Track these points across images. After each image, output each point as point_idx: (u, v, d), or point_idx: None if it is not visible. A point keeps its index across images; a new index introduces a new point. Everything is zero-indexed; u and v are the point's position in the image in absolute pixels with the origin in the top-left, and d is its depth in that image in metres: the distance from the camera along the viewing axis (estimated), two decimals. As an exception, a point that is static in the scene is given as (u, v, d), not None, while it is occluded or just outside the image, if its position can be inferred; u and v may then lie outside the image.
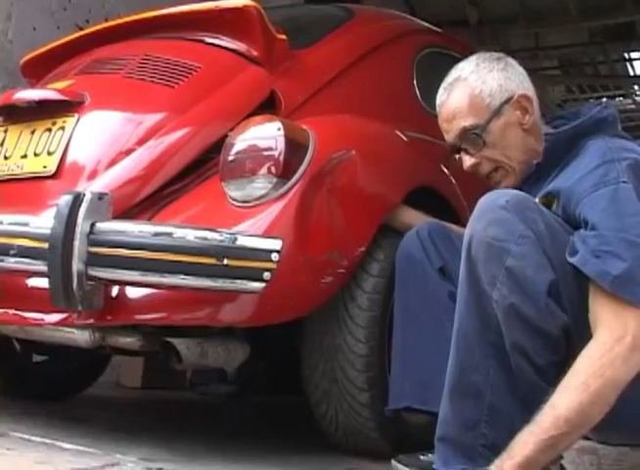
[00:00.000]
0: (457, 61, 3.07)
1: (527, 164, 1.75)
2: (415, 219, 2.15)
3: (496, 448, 1.45)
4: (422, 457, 1.80)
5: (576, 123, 1.73)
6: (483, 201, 1.53)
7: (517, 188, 1.73)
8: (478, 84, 1.78)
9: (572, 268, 1.49)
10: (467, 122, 1.77)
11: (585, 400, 1.37)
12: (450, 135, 1.82)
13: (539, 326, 1.45)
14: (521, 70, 1.83)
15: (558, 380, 1.42)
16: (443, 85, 1.84)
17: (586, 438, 1.70)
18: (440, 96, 1.84)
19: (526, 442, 1.37)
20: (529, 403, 1.46)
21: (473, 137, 1.77)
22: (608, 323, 1.42)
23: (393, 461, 1.92)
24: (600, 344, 1.41)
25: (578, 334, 1.46)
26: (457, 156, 1.84)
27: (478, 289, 1.50)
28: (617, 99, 10.44)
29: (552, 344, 1.47)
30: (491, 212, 1.50)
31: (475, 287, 1.51)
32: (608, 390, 1.38)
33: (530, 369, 1.47)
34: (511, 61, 1.84)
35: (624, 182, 1.52)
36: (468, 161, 1.80)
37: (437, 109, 1.86)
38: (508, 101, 1.76)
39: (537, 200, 1.65)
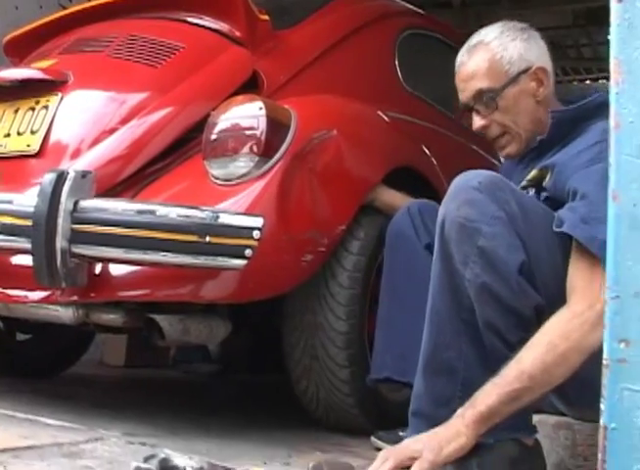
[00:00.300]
0: (439, 43, 3.14)
1: (534, 135, 1.79)
2: (396, 199, 2.18)
3: None
4: (401, 434, 1.83)
5: (581, 104, 1.78)
6: (457, 181, 1.56)
7: (517, 161, 1.81)
8: (499, 50, 1.82)
9: (546, 248, 1.52)
10: (483, 85, 1.81)
11: (549, 360, 1.40)
12: (465, 94, 1.86)
13: (511, 305, 1.48)
14: (542, 43, 1.86)
15: None
16: (465, 47, 1.88)
17: (562, 414, 1.75)
18: (461, 57, 1.88)
19: (490, 393, 1.40)
20: None
21: (486, 100, 1.81)
22: (582, 290, 1.45)
23: (373, 438, 1.96)
24: (572, 308, 1.44)
25: (551, 314, 1.49)
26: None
27: (450, 268, 1.53)
28: (601, 81, 10.47)
29: (524, 322, 1.50)
30: (464, 193, 1.52)
31: (447, 266, 1.54)
32: (573, 353, 1.40)
33: (503, 346, 1.50)
34: (534, 33, 1.87)
35: None
36: (478, 121, 1.84)
37: (456, 68, 1.89)
38: (526, 71, 1.80)
39: (533, 173, 1.70)
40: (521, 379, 1.39)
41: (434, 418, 1.54)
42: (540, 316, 1.50)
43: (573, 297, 1.47)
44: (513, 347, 1.49)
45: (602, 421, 0.87)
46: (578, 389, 1.49)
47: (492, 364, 1.51)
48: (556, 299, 1.49)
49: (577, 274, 1.49)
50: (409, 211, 2.05)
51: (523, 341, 1.50)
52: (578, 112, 1.77)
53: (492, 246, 1.48)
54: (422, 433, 1.52)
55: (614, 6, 0.84)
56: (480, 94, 1.82)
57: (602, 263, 1.42)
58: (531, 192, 1.73)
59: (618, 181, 0.84)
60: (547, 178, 1.67)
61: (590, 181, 1.53)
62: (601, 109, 1.74)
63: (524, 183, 1.74)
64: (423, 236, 2.01)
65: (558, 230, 1.51)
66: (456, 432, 1.41)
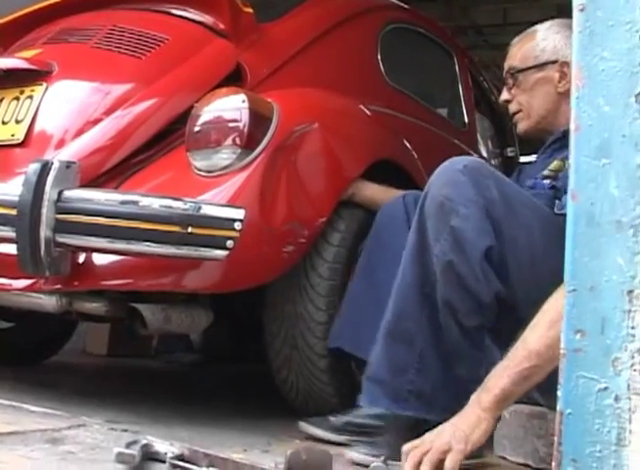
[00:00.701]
0: (422, 37, 3.17)
1: (546, 121, 1.97)
2: (377, 193, 2.21)
3: (422, 397, 1.53)
4: (332, 419, 1.86)
5: None
6: (446, 163, 1.64)
7: (540, 153, 1.98)
8: (539, 39, 2.01)
9: (526, 237, 1.57)
10: (514, 63, 2.03)
11: (553, 335, 1.42)
12: (504, 69, 2.06)
13: (472, 288, 1.53)
14: None
15: (484, 346, 1.50)
16: (525, 32, 2.08)
17: (537, 404, 1.79)
18: (515, 39, 2.09)
19: (501, 375, 1.43)
20: (452, 363, 1.53)
21: (511, 76, 2.01)
22: None
23: (301, 423, 1.93)
24: None
25: (511, 305, 1.53)
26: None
27: (423, 242, 1.59)
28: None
29: (482, 308, 1.54)
30: (449, 173, 1.60)
31: (421, 239, 1.60)
32: None
33: (457, 329, 1.54)
34: None
35: None
36: (504, 94, 2.06)
37: (510, 45, 2.11)
38: (554, 62, 1.97)
39: (555, 163, 1.83)
40: (529, 358, 1.42)
41: (389, 385, 1.58)
42: (501, 305, 1.54)
43: None
44: (467, 332, 1.53)
45: (558, 407, 0.91)
46: (550, 377, 1.54)
47: (444, 345, 1.55)
48: (532, 287, 1.53)
49: None
50: (404, 200, 2.09)
51: (478, 328, 1.54)
52: None
53: (464, 227, 1.54)
54: (375, 398, 1.56)
55: (576, 14, 0.88)
56: (509, 70, 2.03)
57: None
58: (547, 181, 1.79)
59: (578, 181, 0.88)
60: (565, 168, 1.76)
61: None
62: None
63: (545, 172, 1.83)
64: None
65: (559, 213, 1.58)
66: (477, 418, 1.44)
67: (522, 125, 2.02)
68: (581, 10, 0.86)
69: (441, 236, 1.55)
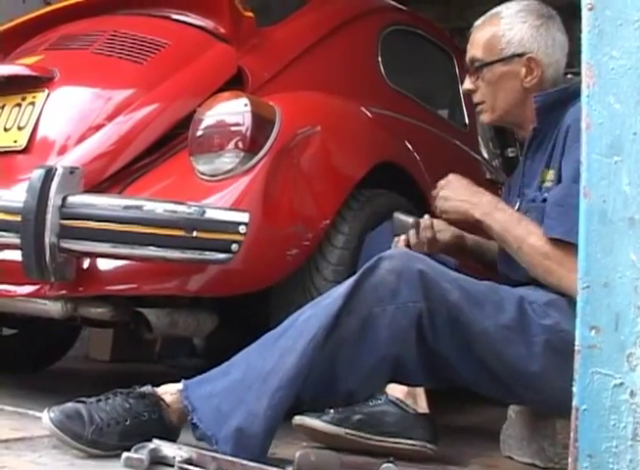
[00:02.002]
0: (421, 39, 3.17)
1: (510, 116, 1.92)
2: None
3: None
4: (331, 411, 1.85)
5: (564, 87, 1.86)
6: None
7: (522, 155, 1.97)
8: (505, 28, 1.91)
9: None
10: (477, 54, 1.93)
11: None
12: (467, 56, 1.97)
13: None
14: (558, 36, 1.92)
15: None
16: (487, 13, 1.98)
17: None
18: (477, 21, 1.99)
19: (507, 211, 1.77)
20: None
21: (475, 68, 1.93)
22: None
23: (297, 416, 1.87)
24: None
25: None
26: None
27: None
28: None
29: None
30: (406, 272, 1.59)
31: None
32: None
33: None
34: (553, 25, 1.92)
35: None
36: (467, 83, 1.97)
37: (471, 29, 2.00)
38: (520, 55, 1.88)
39: (550, 172, 1.81)
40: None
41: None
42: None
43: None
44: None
45: (574, 403, 0.92)
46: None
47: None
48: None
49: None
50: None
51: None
52: (561, 94, 1.83)
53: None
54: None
55: (585, 13, 0.88)
56: (472, 61, 1.94)
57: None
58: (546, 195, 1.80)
59: (589, 179, 0.89)
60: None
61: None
62: None
63: (547, 184, 1.80)
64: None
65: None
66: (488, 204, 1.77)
67: (485, 117, 1.96)
68: (590, 9, 0.86)
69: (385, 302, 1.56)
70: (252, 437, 1.47)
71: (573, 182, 1.60)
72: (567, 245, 1.62)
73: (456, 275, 1.64)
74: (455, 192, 1.85)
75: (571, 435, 0.88)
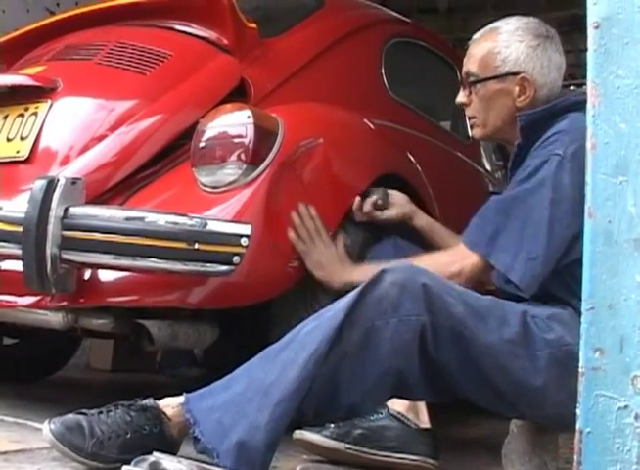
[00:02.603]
0: (424, 51, 3.18)
1: (502, 133, 1.93)
2: (430, 224, 2.22)
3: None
4: (331, 426, 1.84)
5: (548, 106, 1.86)
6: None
7: (508, 168, 1.97)
8: (502, 45, 1.91)
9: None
10: (472, 69, 1.95)
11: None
12: (463, 69, 1.99)
13: None
14: (555, 56, 1.92)
15: None
16: (487, 27, 1.99)
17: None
18: (476, 34, 2.00)
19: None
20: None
21: (469, 82, 1.94)
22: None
23: (297, 431, 1.86)
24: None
25: None
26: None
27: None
28: (584, 87, 10.54)
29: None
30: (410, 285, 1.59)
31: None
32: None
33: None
34: (550, 45, 1.93)
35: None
36: (460, 96, 1.99)
37: (470, 41, 2.01)
38: (515, 74, 1.89)
39: None
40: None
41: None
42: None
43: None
44: None
45: (578, 425, 0.91)
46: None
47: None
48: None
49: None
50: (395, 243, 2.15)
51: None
52: (545, 113, 1.84)
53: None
54: None
55: (590, 32, 0.87)
56: (468, 75, 1.95)
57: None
58: None
59: (594, 199, 0.88)
60: None
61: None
62: (569, 109, 1.81)
63: None
64: None
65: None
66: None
67: (476, 132, 1.98)
68: (596, 27, 0.85)
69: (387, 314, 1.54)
70: (254, 450, 1.47)
71: (510, 193, 1.77)
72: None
73: (460, 289, 1.63)
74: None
75: (575, 457, 0.87)
